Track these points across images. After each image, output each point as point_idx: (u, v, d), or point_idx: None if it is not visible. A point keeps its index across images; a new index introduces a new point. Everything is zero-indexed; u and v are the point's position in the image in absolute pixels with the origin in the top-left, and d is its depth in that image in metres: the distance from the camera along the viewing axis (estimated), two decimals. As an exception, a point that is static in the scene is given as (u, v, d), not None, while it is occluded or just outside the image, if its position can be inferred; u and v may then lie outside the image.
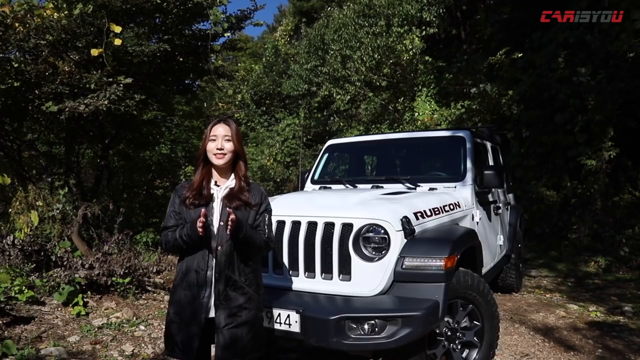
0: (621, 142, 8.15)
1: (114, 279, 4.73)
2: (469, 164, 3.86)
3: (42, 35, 5.51)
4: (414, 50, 12.17)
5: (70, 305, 4.26)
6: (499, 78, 10.83)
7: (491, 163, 4.65)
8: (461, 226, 3.38)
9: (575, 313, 4.81)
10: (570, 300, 5.33)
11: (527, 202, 8.86)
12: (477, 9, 14.26)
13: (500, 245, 4.76)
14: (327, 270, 2.76)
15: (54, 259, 4.72)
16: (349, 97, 13.09)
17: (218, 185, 2.14)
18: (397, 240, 2.62)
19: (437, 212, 3.08)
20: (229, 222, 1.92)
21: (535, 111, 8.94)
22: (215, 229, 2.06)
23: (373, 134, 11.50)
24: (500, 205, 4.79)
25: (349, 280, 2.67)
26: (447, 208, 3.25)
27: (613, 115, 7.96)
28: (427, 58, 13.25)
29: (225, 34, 6.85)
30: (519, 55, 10.29)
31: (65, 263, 4.64)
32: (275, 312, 2.54)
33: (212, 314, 2.05)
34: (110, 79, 5.65)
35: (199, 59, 7.33)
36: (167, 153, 10.65)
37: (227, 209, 1.99)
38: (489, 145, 4.73)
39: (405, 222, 2.64)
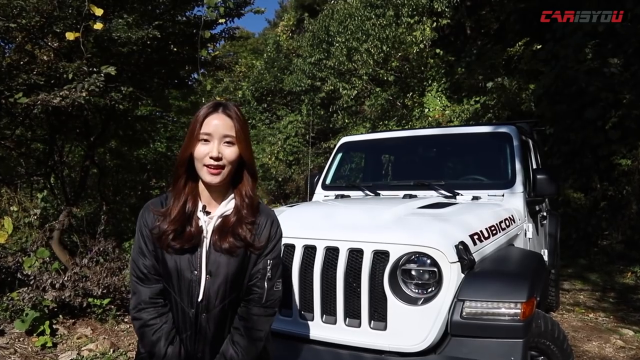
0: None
1: (90, 300, 4.04)
2: (517, 167, 3.14)
3: (13, 18, 4.81)
4: (424, 42, 11.48)
5: (35, 334, 3.57)
6: (518, 71, 10.11)
7: (534, 166, 3.93)
8: (518, 248, 2.67)
9: (634, 341, 4.09)
10: (620, 323, 4.61)
11: (551, 205, 8.13)
12: (483, 3, 13.54)
13: (545, 260, 4.05)
14: (353, 314, 2.03)
15: (19, 277, 4.02)
16: (355, 91, 12.40)
17: (208, 213, 1.39)
18: (452, 276, 1.89)
19: (494, 232, 2.36)
20: None
21: (561, 106, 8.21)
22: (199, 282, 1.33)
23: (381, 130, 10.78)
24: (545, 214, 4.08)
25: (384, 329, 1.94)
26: (503, 225, 2.53)
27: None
28: (437, 51, 12.55)
29: (221, 20, 6.15)
30: (539, 46, 9.59)
31: (32, 282, 3.93)
32: (284, 377, 1.83)
33: None
34: (92, 69, 4.94)
35: (195, 49, 6.62)
36: (164, 151, 9.95)
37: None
38: (531, 143, 4.01)
39: (463, 251, 1.92)
